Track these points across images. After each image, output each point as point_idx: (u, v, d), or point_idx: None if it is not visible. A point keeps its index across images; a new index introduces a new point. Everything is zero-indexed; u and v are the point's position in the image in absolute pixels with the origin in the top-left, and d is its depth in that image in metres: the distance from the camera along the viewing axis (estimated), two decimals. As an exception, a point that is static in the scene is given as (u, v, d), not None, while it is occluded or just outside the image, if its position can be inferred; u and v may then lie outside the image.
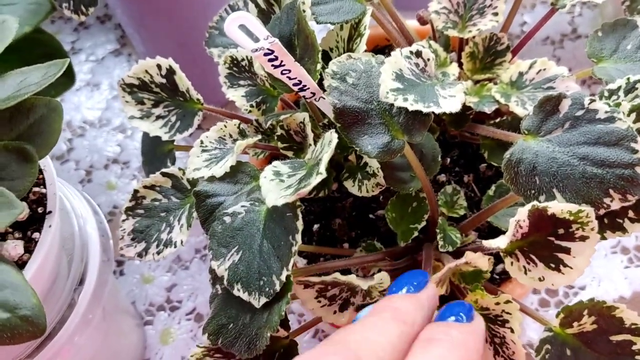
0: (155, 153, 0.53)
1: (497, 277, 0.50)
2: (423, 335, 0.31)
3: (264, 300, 0.37)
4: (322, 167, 0.32)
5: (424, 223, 0.43)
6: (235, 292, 0.37)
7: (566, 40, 0.88)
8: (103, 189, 0.79)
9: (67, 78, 0.64)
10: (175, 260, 0.72)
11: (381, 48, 0.60)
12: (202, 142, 0.46)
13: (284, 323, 0.40)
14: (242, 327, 0.38)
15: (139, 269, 0.72)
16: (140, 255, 0.46)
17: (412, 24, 0.57)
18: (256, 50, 0.36)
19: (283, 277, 0.36)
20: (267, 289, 0.37)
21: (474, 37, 0.49)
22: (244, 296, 0.37)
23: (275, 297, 0.37)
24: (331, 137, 0.34)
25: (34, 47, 0.63)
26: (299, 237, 0.36)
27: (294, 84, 0.40)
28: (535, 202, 0.35)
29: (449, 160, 0.53)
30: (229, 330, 0.39)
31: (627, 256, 0.70)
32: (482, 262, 0.37)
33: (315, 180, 0.33)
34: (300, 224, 0.36)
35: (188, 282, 0.71)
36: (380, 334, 0.30)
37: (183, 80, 0.50)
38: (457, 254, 0.43)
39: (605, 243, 0.72)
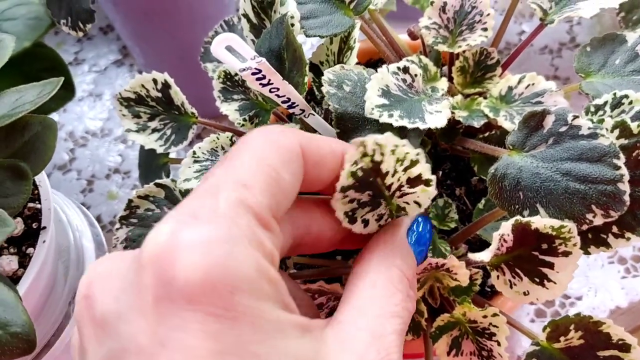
0: (151, 166, 0.54)
1: (489, 290, 0.50)
2: None
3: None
4: None
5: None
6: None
7: (564, 49, 0.88)
8: (104, 198, 0.80)
9: (67, 91, 0.65)
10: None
11: (374, 61, 0.61)
12: (194, 152, 0.46)
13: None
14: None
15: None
16: (132, 266, 0.46)
17: (405, 37, 0.57)
18: (243, 70, 0.36)
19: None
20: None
21: (464, 51, 0.49)
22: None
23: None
24: None
25: (34, 61, 0.64)
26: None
27: (283, 102, 0.40)
28: (518, 217, 0.35)
29: (440, 173, 0.53)
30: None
31: (624, 266, 0.70)
32: (462, 272, 0.37)
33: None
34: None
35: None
36: None
37: (178, 94, 0.51)
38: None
39: (602, 253, 0.72)
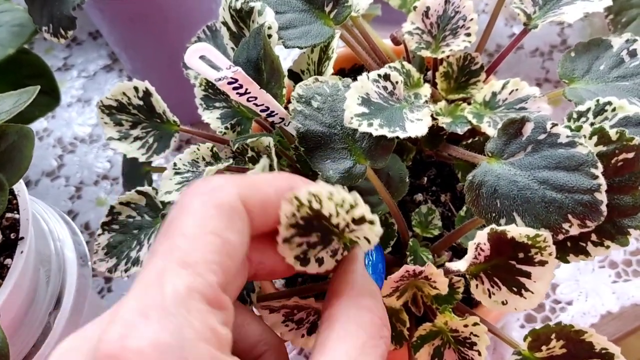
0: (135, 174, 0.54)
1: (474, 298, 0.50)
2: None
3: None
4: None
5: (389, 249, 0.43)
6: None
7: (555, 51, 0.88)
8: (92, 205, 0.79)
9: (52, 98, 0.65)
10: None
11: (360, 66, 0.60)
12: (175, 164, 0.46)
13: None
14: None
15: (127, 285, 0.72)
16: (110, 271, 0.46)
17: (389, 42, 0.57)
18: (219, 79, 0.36)
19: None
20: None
21: (448, 57, 0.49)
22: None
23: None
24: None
25: (19, 68, 0.64)
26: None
27: (262, 110, 0.40)
28: (493, 225, 0.35)
29: (425, 179, 0.53)
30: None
31: (615, 270, 0.70)
32: (441, 281, 0.37)
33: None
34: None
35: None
36: None
37: (159, 102, 0.50)
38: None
39: (593, 257, 0.72)
